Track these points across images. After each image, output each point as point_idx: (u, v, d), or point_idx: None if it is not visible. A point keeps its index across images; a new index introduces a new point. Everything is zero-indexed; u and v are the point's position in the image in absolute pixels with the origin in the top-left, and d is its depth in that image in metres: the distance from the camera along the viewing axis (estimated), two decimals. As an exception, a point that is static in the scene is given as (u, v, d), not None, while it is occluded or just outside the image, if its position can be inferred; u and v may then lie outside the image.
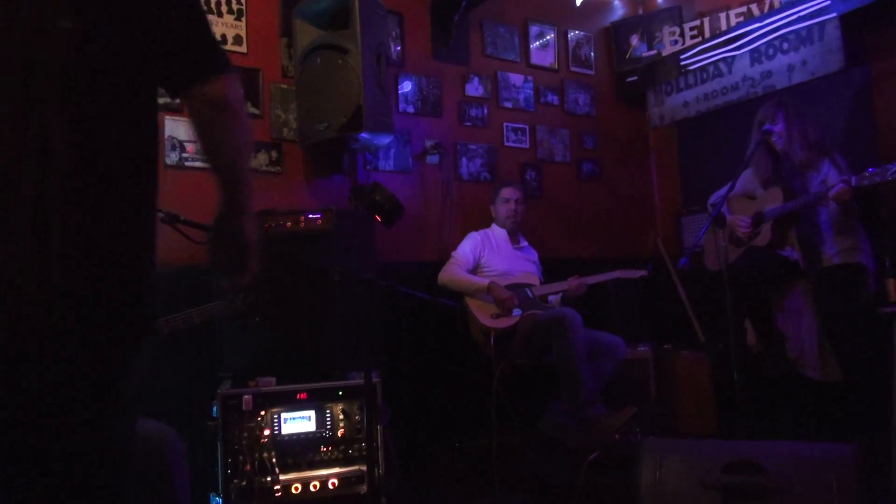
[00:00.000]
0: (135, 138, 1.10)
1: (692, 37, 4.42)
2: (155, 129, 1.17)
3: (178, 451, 2.04)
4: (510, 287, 3.46)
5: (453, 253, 3.65)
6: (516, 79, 4.44)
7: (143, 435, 1.97)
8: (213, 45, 1.22)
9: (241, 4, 3.49)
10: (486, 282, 3.43)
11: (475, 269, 3.62)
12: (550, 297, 3.61)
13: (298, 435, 2.60)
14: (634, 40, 4.82)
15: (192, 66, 1.17)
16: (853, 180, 2.80)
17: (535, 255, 3.86)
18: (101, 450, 1.04)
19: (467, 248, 3.64)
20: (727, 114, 4.20)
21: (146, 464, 1.97)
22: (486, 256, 3.64)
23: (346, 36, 3.14)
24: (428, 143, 4.01)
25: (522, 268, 3.67)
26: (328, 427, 2.63)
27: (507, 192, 3.75)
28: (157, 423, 2.09)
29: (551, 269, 3.80)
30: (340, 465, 2.61)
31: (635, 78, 4.76)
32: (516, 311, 3.40)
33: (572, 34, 4.74)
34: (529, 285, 3.57)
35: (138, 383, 1.10)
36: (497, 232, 3.76)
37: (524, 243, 3.84)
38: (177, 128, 3.26)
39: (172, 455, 2.01)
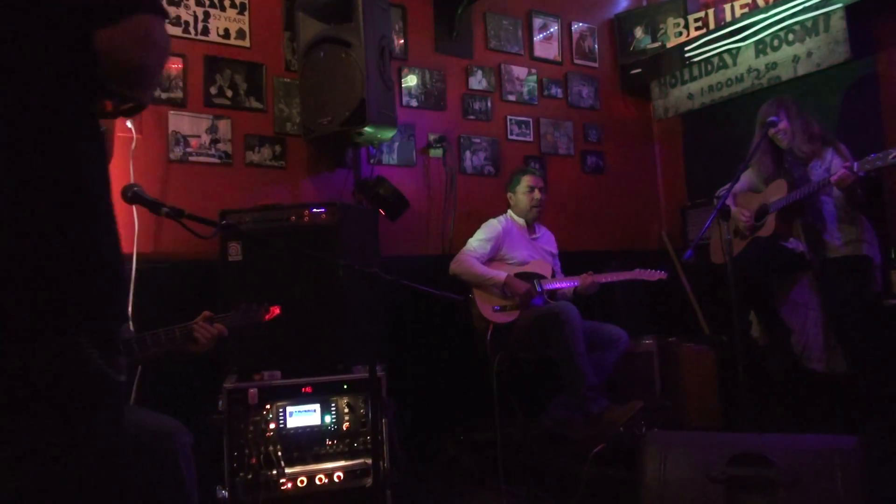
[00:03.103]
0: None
1: (696, 28, 4.40)
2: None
3: (185, 443, 2.06)
4: (520, 276, 3.44)
5: (469, 241, 3.57)
6: (520, 71, 4.42)
7: (150, 428, 2.02)
8: None
9: (244, -2, 3.49)
10: (502, 276, 3.39)
11: (493, 259, 3.55)
12: (560, 292, 3.57)
13: (304, 428, 2.61)
14: (638, 32, 4.79)
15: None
16: (855, 165, 2.81)
17: (552, 244, 3.80)
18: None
19: (485, 237, 3.56)
20: (732, 106, 4.18)
21: (153, 456, 1.99)
22: (507, 246, 3.57)
23: (349, 29, 3.14)
24: (431, 137, 4.00)
25: (537, 257, 3.64)
26: (333, 420, 2.64)
27: (531, 181, 3.65)
28: (162, 416, 2.11)
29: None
30: (345, 459, 2.62)
31: (639, 70, 4.74)
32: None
33: (576, 26, 4.72)
34: (541, 276, 3.54)
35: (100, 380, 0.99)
36: (516, 221, 3.70)
37: (540, 232, 3.78)
38: (180, 122, 3.27)
39: (180, 448, 2.03)
